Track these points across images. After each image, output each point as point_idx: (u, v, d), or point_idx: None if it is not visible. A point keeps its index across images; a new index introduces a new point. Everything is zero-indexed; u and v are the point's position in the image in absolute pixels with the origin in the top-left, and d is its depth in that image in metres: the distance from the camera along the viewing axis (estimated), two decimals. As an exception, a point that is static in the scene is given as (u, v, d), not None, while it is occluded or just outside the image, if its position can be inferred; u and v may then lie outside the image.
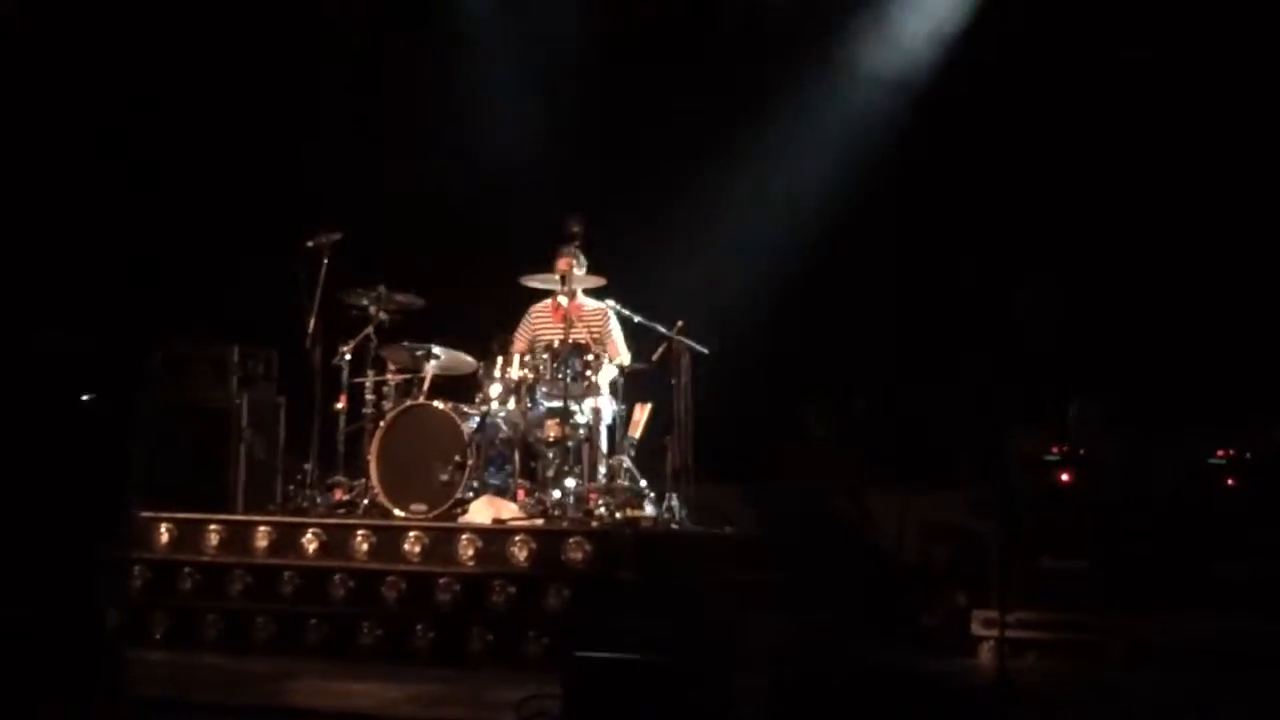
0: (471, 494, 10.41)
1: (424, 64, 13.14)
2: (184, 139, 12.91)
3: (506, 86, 13.11)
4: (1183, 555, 10.25)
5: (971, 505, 11.07)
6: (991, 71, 11.94)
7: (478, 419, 10.57)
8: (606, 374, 10.83)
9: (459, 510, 10.37)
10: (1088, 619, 10.21)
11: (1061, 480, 10.63)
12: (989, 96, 11.94)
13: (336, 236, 11.08)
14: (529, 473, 10.68)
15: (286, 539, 10.32)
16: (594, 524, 10.14)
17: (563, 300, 11.04)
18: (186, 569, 10.27)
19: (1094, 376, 11.19)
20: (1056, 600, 10.26)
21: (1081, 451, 10.66)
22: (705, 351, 10.78)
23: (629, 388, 10.89)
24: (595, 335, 11.00)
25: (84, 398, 12.80)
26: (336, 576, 9.91)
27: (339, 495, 10.84)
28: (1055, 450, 10.66)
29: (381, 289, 10.99)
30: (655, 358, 10.76)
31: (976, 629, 10.36)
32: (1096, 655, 10.09)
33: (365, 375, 10.99)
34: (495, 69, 13.17)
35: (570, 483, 10.46)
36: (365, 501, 10.65)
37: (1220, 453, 10.50)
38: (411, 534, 10.05)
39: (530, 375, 10.69)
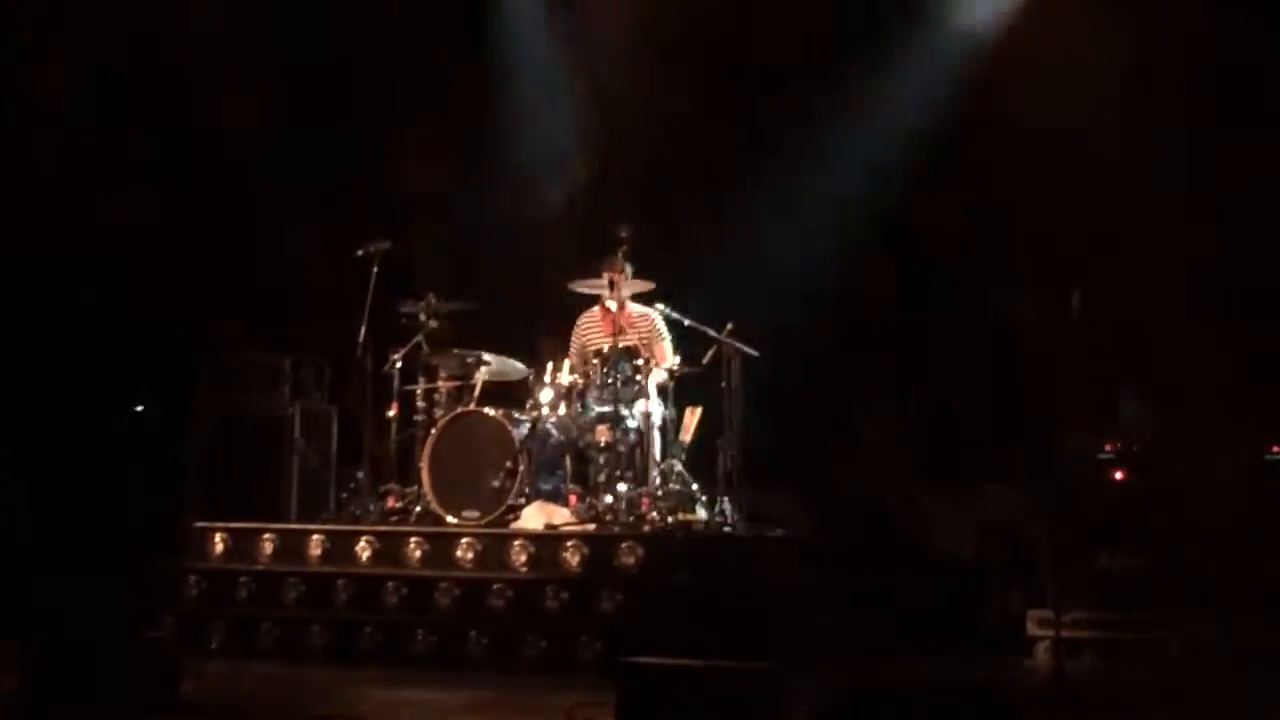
0: (523, 500, 10.41)
1: (473, 70, 13.16)
2: (234, 147, 12.95)
3: (557, 90, 13.12)
4: (1239, 552, 10.18)
5: (1026, 505, 11.02)
6: (1017, 78, 11.88)
7: (528, 425, 10.57)
8: (655, 378, 10.83)
9: (511, 516, 10.38)
10: (1144, 618, 10.15)
11: (1115, 478, 10.57)
12: (1028, 97, 11.88)
13: (386, 245, 11.13)
14: (580, 478, 10.67)
15: (340, 547, 10.36)
16: (646, 528, 10.12)
17: (611, 306, 11.05)
18: (241, 578, 10.33)
19: (1147, 371, 11.12)
20: (1112, 599, 10.21)
21: (1135, 448, 10.60)
22: (755, 354, 10.76)
23: (679, 391, 10.87)
24: (644, 340, 11.00)
25: (138, 408, 12.92)
26: (390, 584, 9.94)
27: (391, 503, 10.86)
28: (1109, 447, 10.60)
29: (431, 297, 11.02)
30: (705, 361, 10.74)
31: (1032, 629, 10.32)
32: (1154, 655, 10.03)
33: (416, 383, 11.02)
34: (545, 73, 13.17)
35: (622, 487, 10.45)
36: (418, 509, 10.67)
37: (1276, 448, 10.42)
38: (464, 540, 10.07)
39: (580, 381, 10.69)
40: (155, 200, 12.72)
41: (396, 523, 10.66)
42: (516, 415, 10.63)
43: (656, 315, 11.16)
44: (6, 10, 12.27)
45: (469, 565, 10.00)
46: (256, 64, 12.86)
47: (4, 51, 12.27)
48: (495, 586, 9.72)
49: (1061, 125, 11.59)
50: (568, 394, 10.69)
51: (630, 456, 10.69)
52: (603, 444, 10.56)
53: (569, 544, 9.83)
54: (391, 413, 11.01)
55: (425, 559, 10.13)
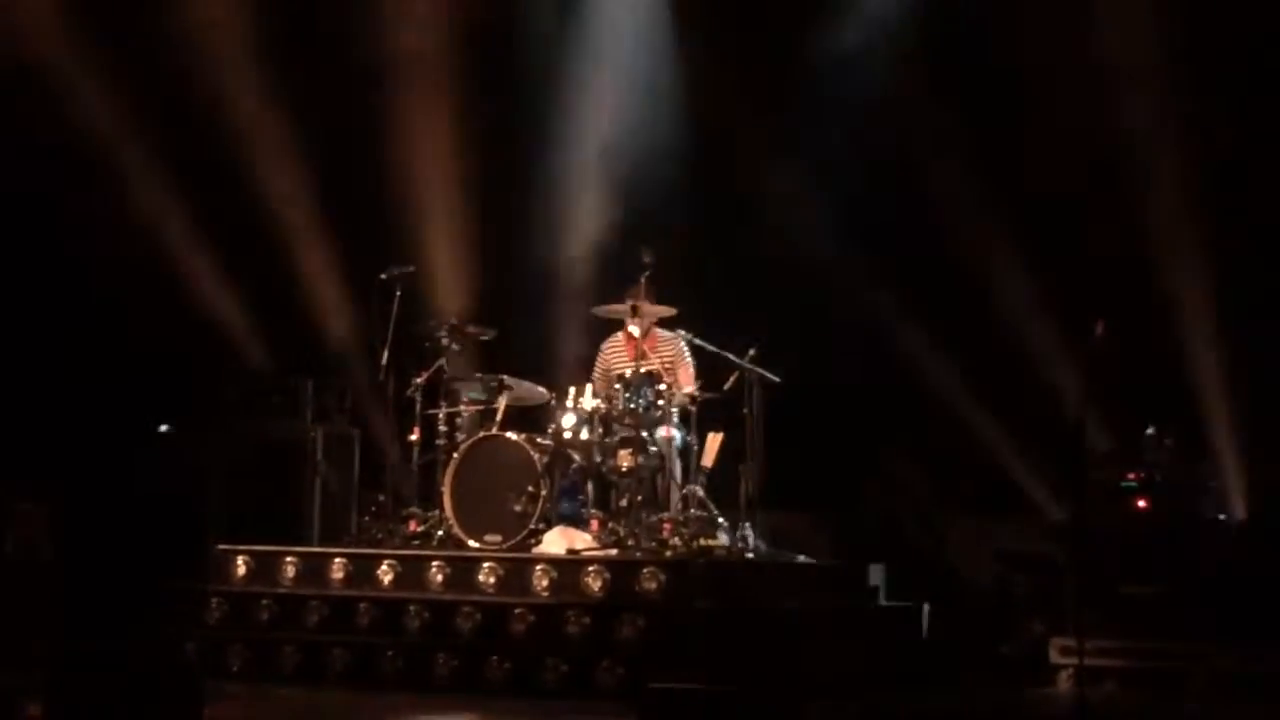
0: (545, 525, 10.42)
1: (495, 93, 13.19)
2: (259, 170, 12.98)
3: (579, 114, 13.14)
4: (1263, 582, 10.14)
5: (1048, 533, 11.00)
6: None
7: (551, 449, 10.58)
8: (677, 403, 10.83)
9: (533, 541, 10.38)
10: (1167, 647, 10.12)
11: (1139, 507, 10.55)
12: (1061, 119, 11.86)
13: (409, 270, 11.17)
14: (602, 503, 10.67)
15: (362, 571, 10.37)
16: (668, 554, 10.12)
17: (634, 330, 11.06)
18: (263, 601, 10.33)
19: (1170, 401, 11.10)
20: (1135, 628, 10.17)
21: (1158, 478, 10.57)
22: (777, 380, 10.75)
23: (701, 417, 10.86)
24: (667, 365, 11.01)
25: (161, 430, 12.95)
26: (412, 608, 9.93)
27: (413, 527, 10.87)
28: (1132, 477, 10.58)
29: (454, 321, 11.05)
30: (727, 386, 10.74)
31: (1055, 657, 10.29)
32: (1177, 684, 9.99)
33: (438, 407, 11.04)
34: (567, 97, 13.19)
35: (644, 512, 10.45)
36: (440, 533, 10.68)
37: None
38: (486, 565, 10.08)
39: (603, 405, 10.70)
40: (179, 223, 12.78)
41: (418, 546, 10.67)
42: (539, 440, 10.64)
43: (680, 340, 11.16)
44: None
45: (490, 589, 10.01)
46: (279, 88, 12.91)
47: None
48: (517, 611, 9.72)
49: (1091, 154, 11.60)
50: (590, 418, 10.70)
51: (652, 482, 10.70)
52: (625, 469, 10.56)
53: (590, 569, 9.83)
54: (414, 436, 11.03)
55: (447, 583, 10.14)
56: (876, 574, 11.22)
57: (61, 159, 12.45)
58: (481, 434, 10.72)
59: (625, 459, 10.56)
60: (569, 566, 9.94)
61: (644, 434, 10.60)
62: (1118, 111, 11.66)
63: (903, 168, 12.31)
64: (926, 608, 10.96)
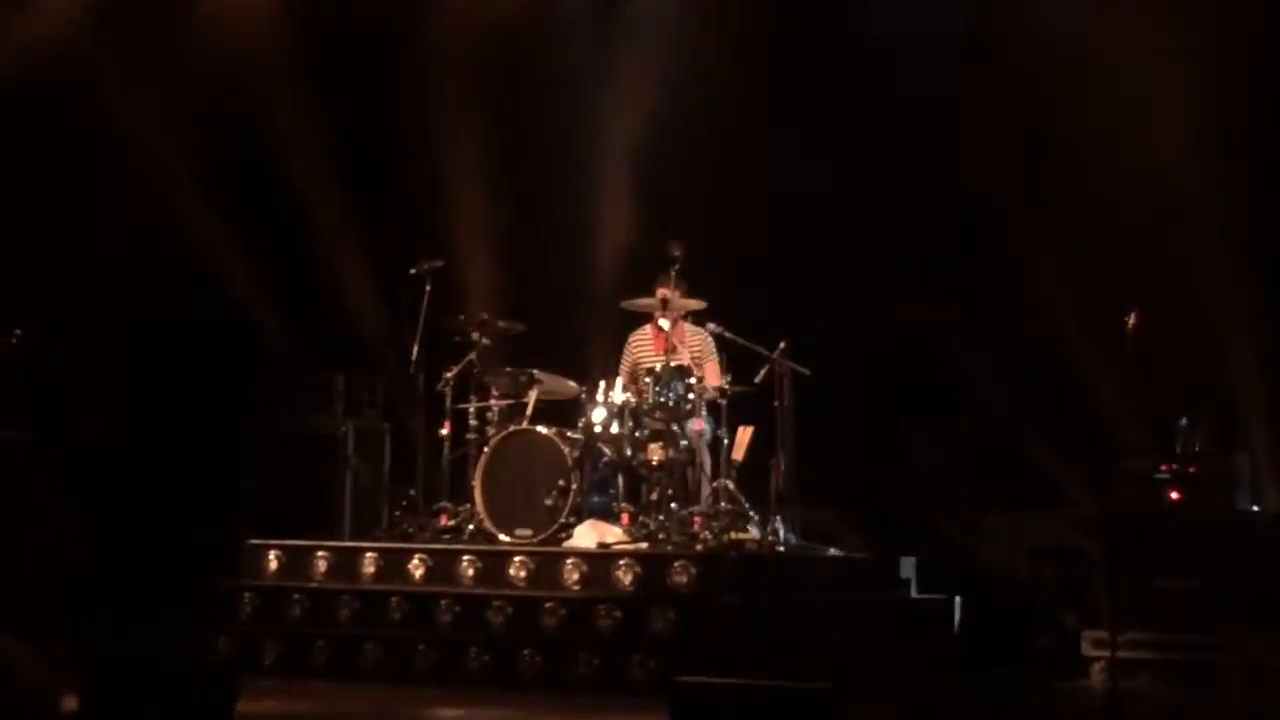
0: (575, 519, 10.42)
1: (521, 87, 13.19)
2: (289, 167, 13.01)
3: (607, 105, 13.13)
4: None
5: (1080, 525, 10.96)
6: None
7: (581, 443, 10.58)
8: (707, 396, 10.81)
9: (563, 535, 10.38)
10: (1200, 639, 10.08)
11: (1171, 498, 10.51)
12: (1091, 114, 11.80)
13: (439, 264, 11.18)
14: (633, 497, 10.67)
15: (393, 565, 10.38)
16: (699, 547, 10.11)
17: (664, 324, 11.04)
18: (295, 596, 10.36)
19: (1203, 391, 11.04)
20: (1168, 620, 10.13)
21: (1191, 469, 10.53)
22: (808, 373, 10.74)
23: (731, 410, 10.85)
24: (695, 359, 11.00)
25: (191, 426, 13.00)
26: (443, 602, 9.95)
27: (444, 521, 10.88)
28: (1164, 468, 10.53)
29: (484, 315, 11.06)
30: (757, 380, 10.73)
31: (1087, 650, 10.26)
32: (1210, 676, 9.95)
33: (469, 401, 11.05)
34: (594, 86, 13.18)
35: (674, 506, 10.44)
36: (470, 527, 10.68)
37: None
38: (517, 559, 10.09)
39: (633, 399, 10.69)
40: (211, 217, 12.82)
41: (449, 541, 10.67)
42: (569, 434, 10.64)
43: (707, 334, 11.14)
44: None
45: (521, 584, 10.01)
46: (310, 83, 12.94)
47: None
48: (548, 605, 9.72)
49: (1122, 147, 11.53)
50: (620, 412, 10.69)
51: (683, 475, 10.69)
52: (655, 463, 10.56)
53: (621, 563, 9.83)
54: (444, 431, 11.03)
55: (478, 577, 10.14)
56: (908, 567, 11.21)
57: (90, 153, 12.51)
58: (512, 428, 10.73)
59: (656, 453, 10.56)
60: (600, 560, 9.94)
61: (674, 428, 10.59)
62: (1160, 107, 11.59)
63: (930, 158, 12.28)
64: (958, 600, 10.95)
